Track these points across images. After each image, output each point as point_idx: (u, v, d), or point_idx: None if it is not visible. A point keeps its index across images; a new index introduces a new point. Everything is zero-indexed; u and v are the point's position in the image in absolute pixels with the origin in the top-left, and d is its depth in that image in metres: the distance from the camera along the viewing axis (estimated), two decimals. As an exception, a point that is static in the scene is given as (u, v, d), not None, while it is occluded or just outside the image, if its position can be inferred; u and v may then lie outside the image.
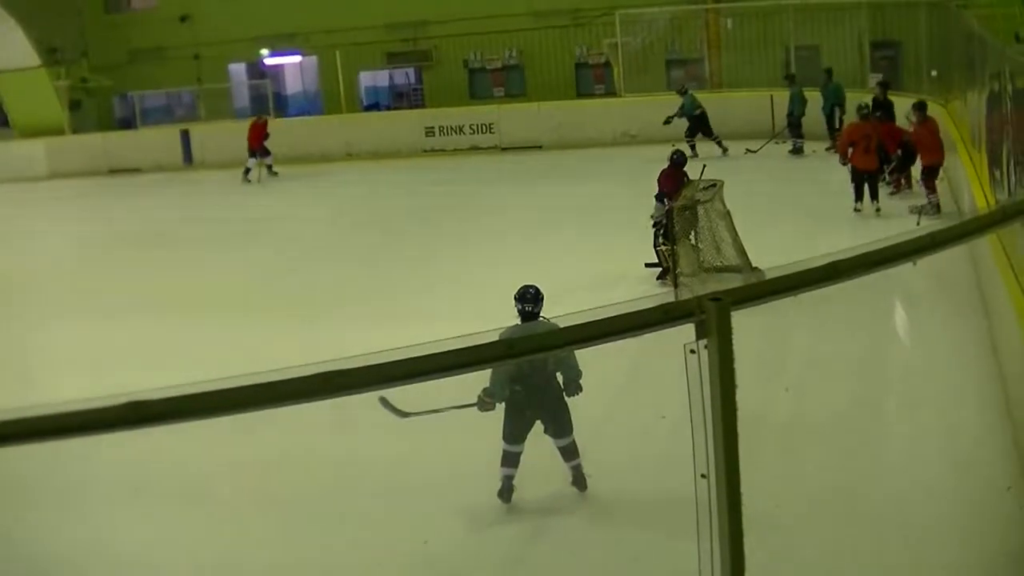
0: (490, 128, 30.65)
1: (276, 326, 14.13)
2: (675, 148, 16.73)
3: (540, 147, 29.28)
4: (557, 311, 8.02)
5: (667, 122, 25.82)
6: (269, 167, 28.67)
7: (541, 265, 14.31)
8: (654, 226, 15.10)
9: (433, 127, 31.25)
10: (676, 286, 14.11)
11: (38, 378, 12.51)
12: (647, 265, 15.20)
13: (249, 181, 28.40)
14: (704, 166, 15.74)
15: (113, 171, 33.44)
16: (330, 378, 2.12)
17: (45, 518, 8.91)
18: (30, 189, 31.60)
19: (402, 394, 7.81)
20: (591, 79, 33.84)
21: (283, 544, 8.32)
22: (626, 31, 30.65)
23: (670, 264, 14.43)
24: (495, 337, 2.31)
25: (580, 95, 33.23)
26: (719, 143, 25.59)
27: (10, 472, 7.57)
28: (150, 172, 32.72)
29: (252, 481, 9.34)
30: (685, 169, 15.75)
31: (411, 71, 36.35)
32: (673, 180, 15.38)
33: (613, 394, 10.31)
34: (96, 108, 38.13)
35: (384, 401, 8.24)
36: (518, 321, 8.76)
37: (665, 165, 15.80)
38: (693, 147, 24.64)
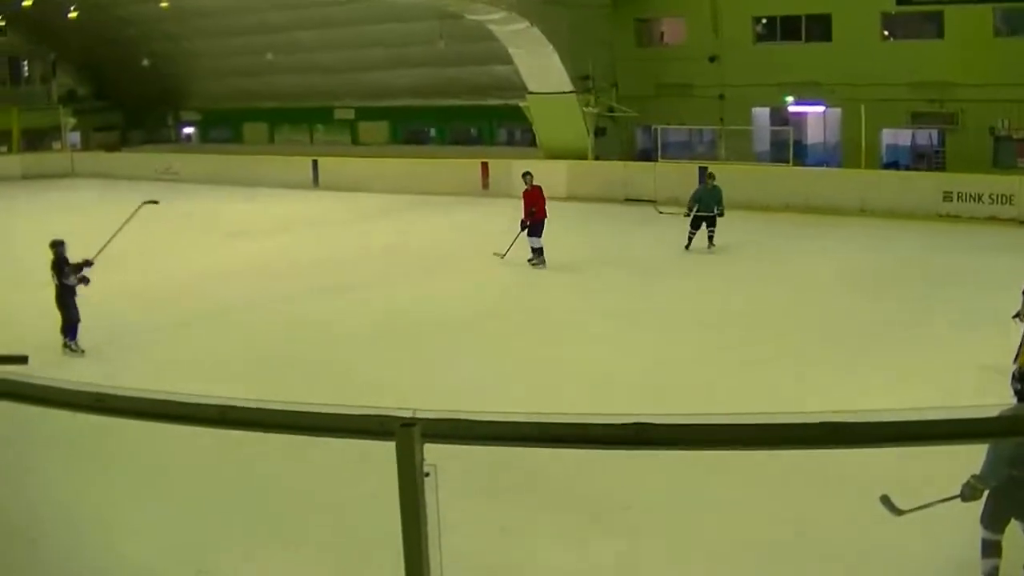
0: (1010, 199, 29.49)
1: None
2: None
3: (1061, 225, 28.12)
4: None
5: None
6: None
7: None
8: None
9: (951, 192, 30.45)
10: None
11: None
12: None
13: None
14: None
15: (628, 200, 34.97)
16: (837, 429, 2.15)
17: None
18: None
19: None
20: (1125, 156, 32.01)
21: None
22: None
23: None
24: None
25: (1111, 173, 31.44)
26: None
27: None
28: (665, 204, 33.88)
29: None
30: None
31: (934, 132, 35.43)
32: None
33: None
34: (619, 137, 39.72)
35: (885, 499, 8.39)
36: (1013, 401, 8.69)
37: None
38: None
